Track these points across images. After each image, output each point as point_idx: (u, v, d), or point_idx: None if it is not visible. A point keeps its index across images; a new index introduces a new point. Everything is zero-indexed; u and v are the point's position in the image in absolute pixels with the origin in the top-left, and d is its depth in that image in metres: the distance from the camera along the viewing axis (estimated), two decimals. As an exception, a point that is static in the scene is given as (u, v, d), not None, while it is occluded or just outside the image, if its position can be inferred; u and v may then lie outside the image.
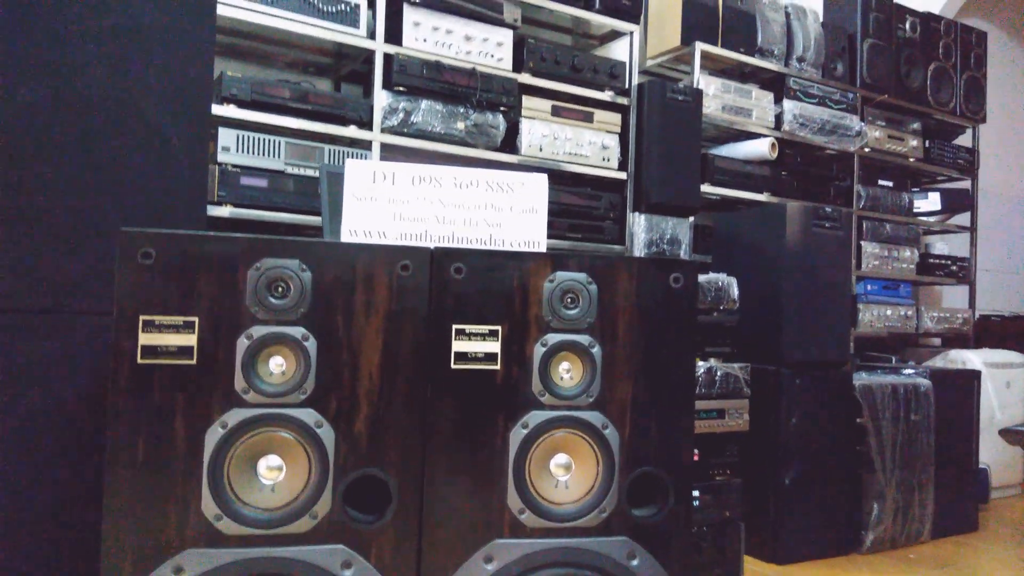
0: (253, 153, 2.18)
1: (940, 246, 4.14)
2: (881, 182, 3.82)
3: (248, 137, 2.17)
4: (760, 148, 3.17)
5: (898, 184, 3.90)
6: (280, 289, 1.11)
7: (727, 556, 2.26)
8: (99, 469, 1.08)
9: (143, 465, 1.05)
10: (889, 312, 3.58)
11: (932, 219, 4.11)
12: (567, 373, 1.23)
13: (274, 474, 1.09)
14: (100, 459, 1.08)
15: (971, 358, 3.51)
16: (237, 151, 2.15)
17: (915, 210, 3.91)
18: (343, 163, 2.32)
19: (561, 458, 1.22)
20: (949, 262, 3.93)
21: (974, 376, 3.07)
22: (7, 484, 1.36)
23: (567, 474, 1.22)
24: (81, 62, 1.42)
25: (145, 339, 1.06)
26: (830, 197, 3.48)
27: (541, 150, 2.68)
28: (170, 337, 1.06)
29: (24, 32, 1.38)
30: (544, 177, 1.35)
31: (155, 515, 1.05)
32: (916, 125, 3.86)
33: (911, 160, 3.81)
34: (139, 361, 1.05)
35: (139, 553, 1.04)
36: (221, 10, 2.04)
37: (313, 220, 2.25)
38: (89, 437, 1.40)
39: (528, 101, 2.68)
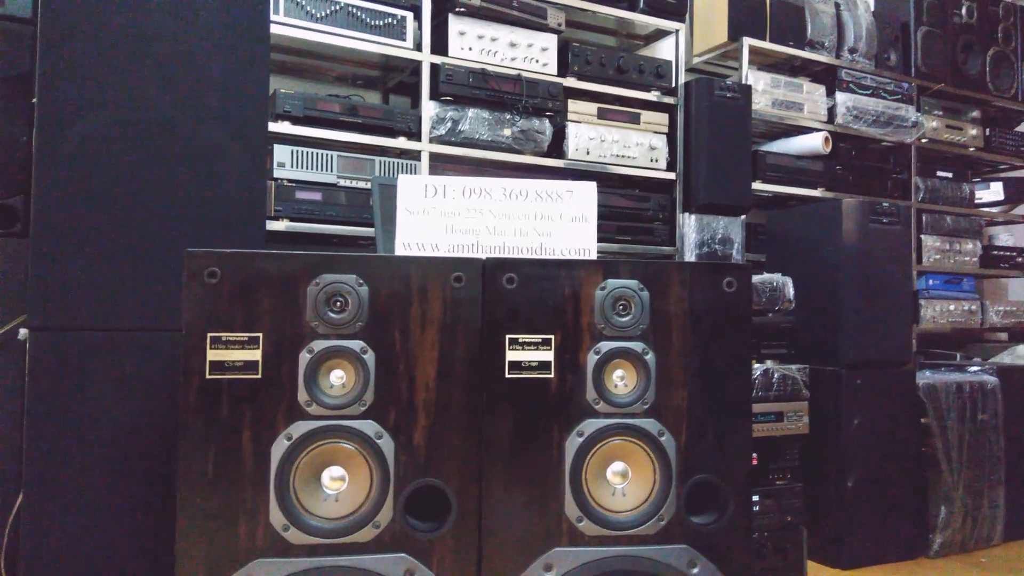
0: (307, 168, 2.23)
1: (1004, 237, 3.99)
2: (940, 173, 3.70)
3: (302, 152, 2.23)
4: (813, 143, 3.11)
5: (958, 175, 3.78)
6: (338, 304, 1.13)
7: (790, 561, 2.22)
8: (170, 483, 1.12)
9: (213, 478, 1.09)
10: (952, 307, 3.47)
11: (995, 209, 3.97)
12: (621, 381, 1.23)
13: (337, 484, 1.12)
14: (171, 473, 1.12)
15: (1041, 353, 3.37)
16: (292, 166, 2.20)
17: (976, 201, 3.78)
18: (394, 174, 2.36)
19: (618, 466, 1.22)
20: (1014, 253, 3.79)
21: (1044, 372, 2.96)
22: (81, 500, 1.42)
23: (624, 482, 1.22)
24: (140, 89, 1.48)
25: (213, 355, 1.09)
26: (887, 190, 3.39)
27: (588, 153, 2.68)
28: (236, 353, 1.10)
29: (85, 64, 1.44)
30: (593, 185, 1.36)
31: (225, 526, 1.09)
32: (975, 113, 3.73)
33: (971, 149, 3.69)
34: (207, 377, 1.09)
35: (211, 563, 1.08)
36: (272, 28, 2.10)
37: (365, 231, 2.29)
38: (160, 452, 1.46)
39: (574, 105, 2.68)
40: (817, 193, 3.16)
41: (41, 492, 1.40)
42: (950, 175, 3.73)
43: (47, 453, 1.40)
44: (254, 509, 1.09)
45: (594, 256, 1.35)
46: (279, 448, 1.10)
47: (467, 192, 1.31)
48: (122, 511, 1.44)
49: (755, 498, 2.10)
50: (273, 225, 2.16)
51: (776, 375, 2.26)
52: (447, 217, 1.31)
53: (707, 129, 2.75)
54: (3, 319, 2.08)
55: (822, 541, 2.47)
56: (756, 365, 2.29)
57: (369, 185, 2.30)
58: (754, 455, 2.16)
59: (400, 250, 1.29)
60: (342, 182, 2.29)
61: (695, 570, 1.21)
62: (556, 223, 1.34)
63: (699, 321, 1.25)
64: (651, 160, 2.80)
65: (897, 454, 2.55)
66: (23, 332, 1.41)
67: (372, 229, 2.02)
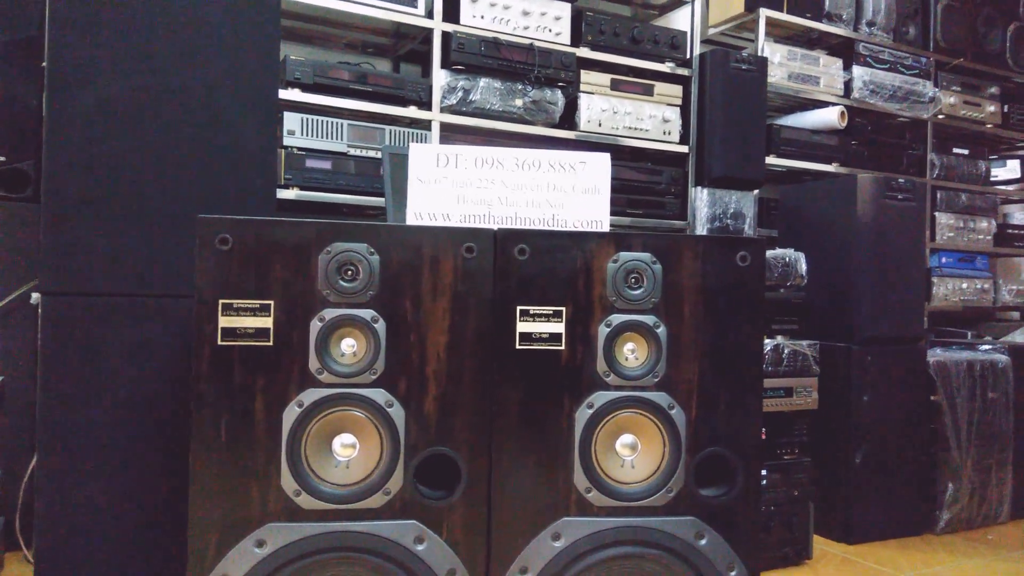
0: (317, 136, 2.22)
1: (1019, 215, 3.95)
2: (956, 150, 3.65)
3: (312, 120, 2.21)
4: (829, 117, 3.06)
5: (974, 152, 3.73)
6: (350, 272, 1.13)
7: (796, 535, 2.24)
8: (183, 447, 1.13)
9: (226, 444, 1.10)
10: (965, 285, 3.45)
11: (1011, 187, 3.92)
12: (632, 353, 1.22)
13: (348, 451, 1.13)
14: (185, 438, 1.13)
15: (1053, 332, 3.35)
16: (302, 134, 2.19)
17: (992, 178, 3.73)
18: (404, 144, 2.35)
19: (627, 438, 1.22)
20: (1029, 232, 3.75)
21: (1056, 351, 2.94)
22: (94, 463, 1.43)
23: (633, 454, 1.22)
24: (154, 56, 1.47)
25: (225, 322, 1.10)
26: (902, 167, 3.35)
27: (600, 125, 2.66)
28: (248, 320, 1.10)
29: (100, 30, 1.43)
30: (606, 156, 1.34)
31: (238, 491, 1.10)
32: (994, 89, 3.67)
33: (988, 126, 3.64)
34: (220, 343, 1.10)
35: (224, 527, 1.09)
36: (283, -5, 2.07)
37: (375, 201, 2.28)
38: (173, 417, 1.47)
39: (587, 76, 2.65)
40: (831, 168, 3.12)
41: (55, 455, 1.41)
42: (966, 152, 3.68)
43: (61, 417, 1.41)
44: (266, 475, 1.10)
45: (607, 228, 1.34)
46: (291, 415, 1.11)
47: (479, 162, 1.30)
48: (135, 475, 1.46)
49: (763, 472, 2.10)
50: (283, 193, 2.16)
51: (786, 350, 2.26)
52: (459, 187, 1.30)
53: (721, 102, 2.72)
54: (16, 284, 2.09)
55: (829, 516, 2.48)
56: (767, 340, 2.28)
57: (379, 154, 2.29)
58: (763, 430, 2.16)
59: (411, 220, 1.28)
60: (352, 151, 2.27)
61: (703, 542, 1.22)
62: (569, 194, 1.33)
63: (712, 295, 1.24)
64: (664, 133, 2.77)
65: (906, 431, 2.55)
66: (35, 296, 1.42)
67: (382, 199, 2.02)
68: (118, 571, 1.44)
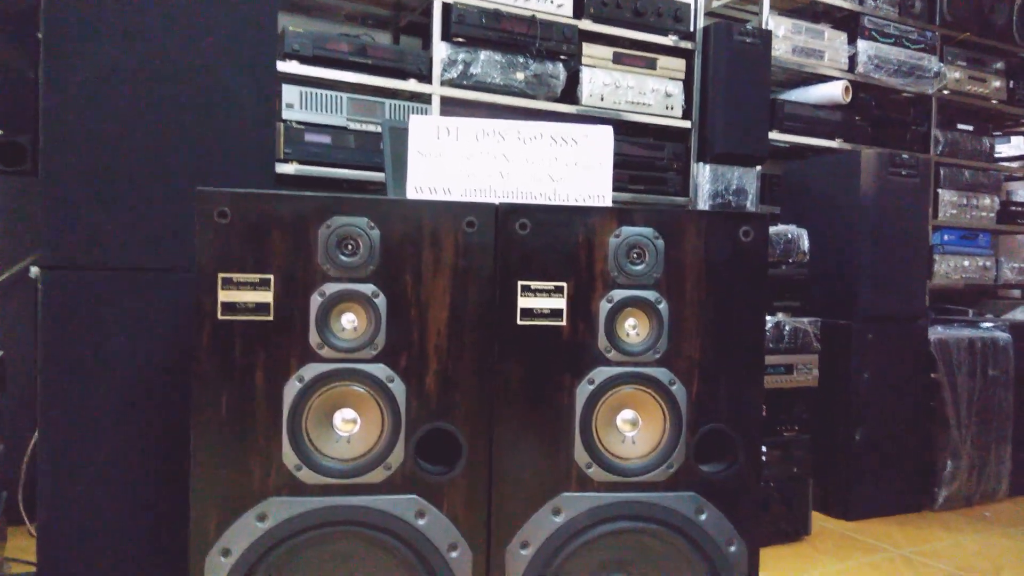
0: (316, 110, 2.20)
1: (1023, 193, 3.93)
2: (960, 126, 3.63)
3: (311, 93, 2.19)
4: (833, 92, 3.04)
5: (979, 128, 3.70)
6: (350, 247, 1.12)
7: (795, 512, 2.25)
8: (184, 422, 1.13)
9: (227, 418, 1.10)
10: (967, 263, 3.44)
11: (1015, 164, 3.89)
12: (633, 329, 1.22)
13: (349, 426, 1.13)
14: (185, 413, 1.12)
15: (1054, 310, 3.35)
16: (301, 108, 2.17)
17: (996, 155, 3.71)
18: (404, 118, 2.32)
19: (628, 414, 1.22)
20: (1033, 209, 3.73)
21: (1057, 329, 2.93)
22: (95, 439, 1.43)
23: (634, 430, 1.22)
24: (151, 27, 1.44)
25: (224, 296, 1.09)
26: (906, 143, 3.33)
27: (602, 99, 2.63)
28: (248, 294, 1.09)
29: (96, 1, 1.41)
30: (609, 129, 1.33)
31: (239, 465, 1.10)
32: (1000, 65, 3.63)
33: (993, 102, 3.61)
34: (220, 317, 1.09)
35: (225, 501, 1.09)
36: (281, -34, 2.04)
37: (375, 176, 2.26)
38: (174, 392, 1.47)
39: (589, 48, 2.62)
40: (835, 144, 3.10)
41: (56, 430, 1.41)
42: (970, 128, 3.65)
43: (61, 392, 1.41)
44: (267, 450, 1.10)
45: (609, 203, 1.33)
46: (291, 390, 1.11)
47: (480, 135, 1.29)
48: (136, 449, 1.46)
49: (762, 449, 2.11)
50: (282, 168, 2.14)
51: (787, 328, 2.26)
52: (460, 160, 1.28)
53: (725, 75, 2.69)
54: (15, 258, 2.08)
55: (828, 492, 2.50)
56: (768, 317, 2.28)
57: (379, 129, 2.27)
58: (762, 407, 2.16)
59: (412, 194, 1.27)
60: (352, 125, 2.25)
61: (702, 517, 1.22)
62: (571, 168, 1.31)
63: (714, 271, 1.23)
64: (666, 107, 2.75)
65: (906, 408, 2.55)
66: (34, 270, 1.41)
67: (383, 174, 2.00)
68: (120, 546, 1.45)
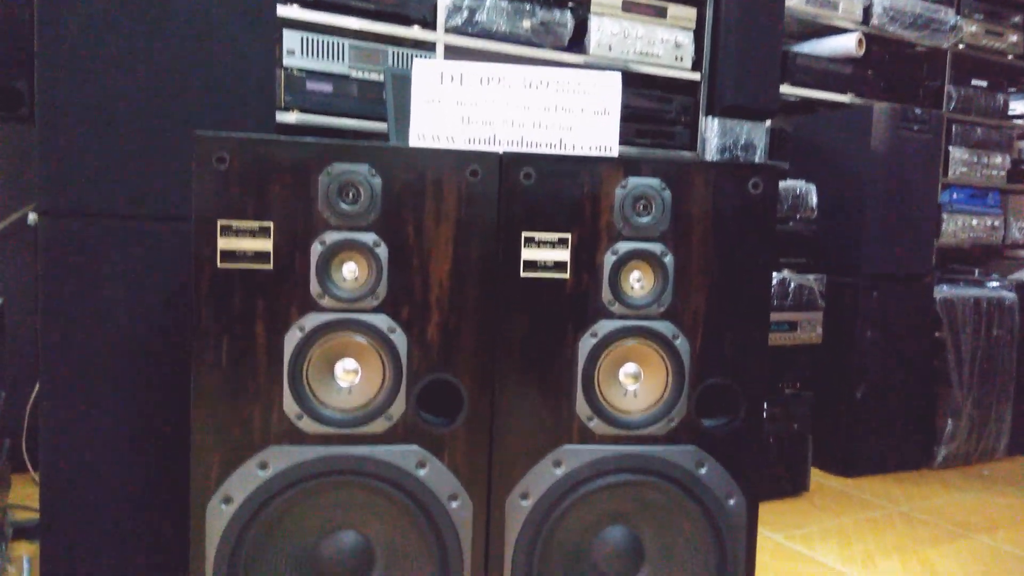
0: (318, 56, 2.15)
1: (1036, 151, 3.87)
2: (975, 82, 3.55)
3: (312, 40, 2.14)
4: (846, 44, 2.97)
5: (993, 84, 3.62)
6: (351, 195, 1.10)
7: (794, 468, 2.26)
8: (186, 370, 1.12)
9: (227, 367, 1.09)
10: (975, 222, 3.40)
11: (1029, 122, 3.82)
12: (638, 282, 1.20)
13: (350, 377, 1.12)
14: (186, 360, 1.12)
15: (1062, 271, 3.32)
16: (302, 55, 2.12)
17: (1010, 112, 3.64)
18: (407, 66, 2.28)
19: (630, 367, 1.21)
20: (1045, 168, 3.68)
21: (1064, 289, 2.91)
22: (97, 388, 1.43)
23: (636, 383, 1.21)
24: (146, -37, 1.40)
25: (224, 244, 1.07)
26: (918, 98, 3.26)
27: (611, 49, 2.57)
28: (247, 242, 1.08)
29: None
30: (617, 76, 1.29)
31: (240, 415, 1.10)
32: (1018, 19, 3.54)
33: (1010, 57, 3.52)
34: (219, 266, 1.08)
35: (226, 449, 1.09)
36: (281, -95, 1.98)
37: (378, 126, 2.23)
38: (174, 339, 1.46)
39: (597, -4, 2.55)
40: (846, 99, 3.04)
41: (57, 378, 1.41)
42: (984, 84, 3.57)
43: (62, 341, 1.41)
44: (268, 399, 1.10)
45: (615, 153, 1.30)
46: (292, 339, 1.10)
47: (485, 80, 1.25)
48: (138, 397, 1.46)
49: (763, 405, 2.11)
50: (283, 117, 2.10)
51: (792, 284, 2.24)
52: (463, 107, 1.25)
53: (737, 25, 2.62)
54: (13, 206, 2.06)
55: (828, 449, 2.51)
56: (773, 274, 2.26)
57: (382, 78, 2.22)
58: (765, 363, 2.16)
59: (415, 141, 1.24)
60: (354, 73, 2.21)
61: (703, 470, 1.22)
62: (577, 116, 1.28)
63: (722, 223, 1.21)
64: (676, 58, 2.68)
65: (909, 367, 2.55)
66: (32, 217, 1.39)
67: (385, 124, 1.96)
68: (123, 493, 1.46)
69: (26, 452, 1.88)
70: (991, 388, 2.67)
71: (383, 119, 2.19)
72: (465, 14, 2.33)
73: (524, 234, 1.17)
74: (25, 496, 1.84)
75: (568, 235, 1.17)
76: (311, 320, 1.10)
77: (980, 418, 2.66)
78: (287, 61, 2.11)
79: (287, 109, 2.11)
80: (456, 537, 1.15)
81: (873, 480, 2.49)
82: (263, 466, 1.10)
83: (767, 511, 2.15)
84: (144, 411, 1.47)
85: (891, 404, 2.54)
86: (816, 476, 2.47)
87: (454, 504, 1.15)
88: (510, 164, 1.16)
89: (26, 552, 1.63)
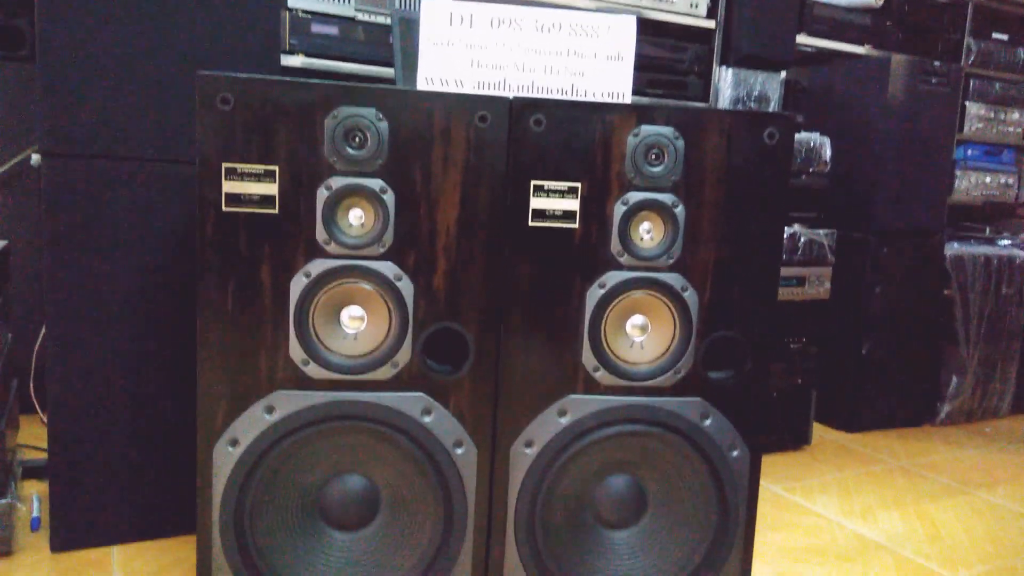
0: (323, -2, 2.09)
1: (1055, 108, 3.78)
2: (996, 35, 3.46)
3: (317, -20, 2.08)
4: (865, -7, 2.88)
5: (1014, 38, 3.52)
6: (357, 139, 1.08)
7: (796, 422, 2.27)
8: (191, 314, 1.12)
9: (233, 312, 1.09)
10: (988, 179, 3.34)
11: (1050, 77, 3.73)
12: (648, 233, 1.19)
13: (356, 323, 1.12)
14: (192, 304, 1.11)
15: (1074, 230, 3.29)
16: (307, -5, 2.07)
17: (1031, 67, 3.55)
18: (415, 10, 2.22)
19: (638, 319, 1.20)
20: (1063, 126, 3.61)
21: (1076, 249, 2.88)
22: (102, 330, 1.43)
23: (643, 335, 1.21)
24: None
25: (229, 187, 1.06)
26: (937, 52, 3.18)
27: (624, -5, 2.50)
28: (252, 186, 1.06)
29: None
30: (633, 19, 1.25)
31: (246, 359, 1.10)
32: (1046, -31, 3.43)
33: (1035, 9, 3.43)
34: (224, 209, 1.06)
35: (233, 393, 1.10)
36: None
37: (386, 72, 2.18)
38: (180, 282, 1.46)
39: (611, -60, 2.47)
40: (863, 50, 2.96)
41: (63, 320, 1.41)
42: (1006, 38, 3.48)
43: (67, 283, 1.40)
44: (274, 343, 1.10)
45: (628, 100, 1.27)
46: (298, 284, 1.09)
47: (495, 22, 1.22)
48: (144, 340, 1.46)
49: (769, 359, 2.11)
50: (288, 60, 2.06)
51: (802, 239, 2.22)
52: (473, 50, 1.22)
53: (754, -28, 2.54)
54: (16, 148, 2.04)
55: (832, 405, 2.52)
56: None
57: (389, 21, 2.17)
58: (771, 318, 2.15)
59: (422, 85, 1.22)
60: (360, 16, 2.15)
61: (707, 422, 1.22)
62: (590, 61, 1.25)
63: (735, 174, 1.19)
64: (691, 5, 2.61)
65: (915, 323, 2.54)
66: (35, 158, 1.37)
67: (392, 70, 1.92)
68: (130, 436, 1.48)
69: (34, 393, 1.89)
70: (997, 347, 2.66)
71: (390, 64, 2.15)
72: (475, -45, 2.27)
73: (533, 182, 1.15)
74: (34, 436, 1.86)
75: (578, 184, 1.16)
76: (317, 266, 1.09)
77: (985, 376, 2.66)
78: (292, 2, 2.05)
79: (292, 52, 2.07)
80: (460, 483, 1.16)
81: (875, 435, 2.51)
82: (269, 410, 1.10)
83: (768, 464, 2.17)
84: (150, 352, 1.47)
85: (896, 360, 2.53)
86: (818, 431, 2.48)
87: (459, 451, 1.16)
88: (520, 110, 1.13)
89: (36, 491, 1.65)
